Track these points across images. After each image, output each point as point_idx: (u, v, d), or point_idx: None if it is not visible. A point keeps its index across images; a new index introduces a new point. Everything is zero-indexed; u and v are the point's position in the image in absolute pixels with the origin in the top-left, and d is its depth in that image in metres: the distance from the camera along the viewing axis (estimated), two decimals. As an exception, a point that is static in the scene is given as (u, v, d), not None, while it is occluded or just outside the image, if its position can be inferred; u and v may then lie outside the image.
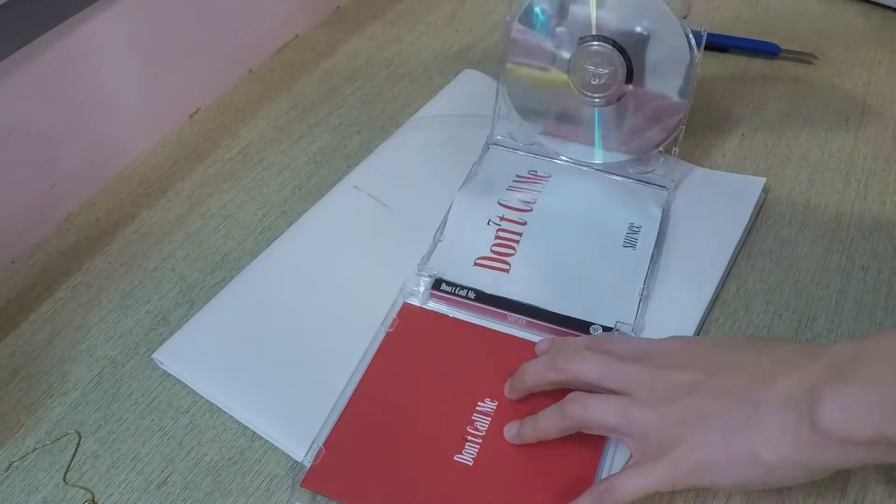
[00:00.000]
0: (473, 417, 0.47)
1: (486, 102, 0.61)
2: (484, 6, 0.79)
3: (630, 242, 0.55)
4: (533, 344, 0.50)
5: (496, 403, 0.48)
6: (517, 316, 0.51)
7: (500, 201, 0.57)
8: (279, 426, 0.48)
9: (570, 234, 0.56)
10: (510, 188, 0.59)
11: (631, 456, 0.43)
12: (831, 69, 0.70)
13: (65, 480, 0.47)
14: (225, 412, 0.49)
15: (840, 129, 0.65)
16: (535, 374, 0.47)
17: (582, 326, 0.50)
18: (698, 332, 0.52)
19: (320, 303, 0.53)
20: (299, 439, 0.47)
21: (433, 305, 0.53)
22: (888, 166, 0.62)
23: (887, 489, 0.45)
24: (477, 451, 0.46)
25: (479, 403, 0.48)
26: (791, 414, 0.38)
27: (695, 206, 0.58)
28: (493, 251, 0.55)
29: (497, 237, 0.56)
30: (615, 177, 0.59)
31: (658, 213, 0.56)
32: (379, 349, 0.50)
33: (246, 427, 0.48)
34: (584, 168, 0.60)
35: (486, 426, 0.47)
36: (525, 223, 0.56)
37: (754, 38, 0.72)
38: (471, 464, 0.45)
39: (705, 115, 0.66)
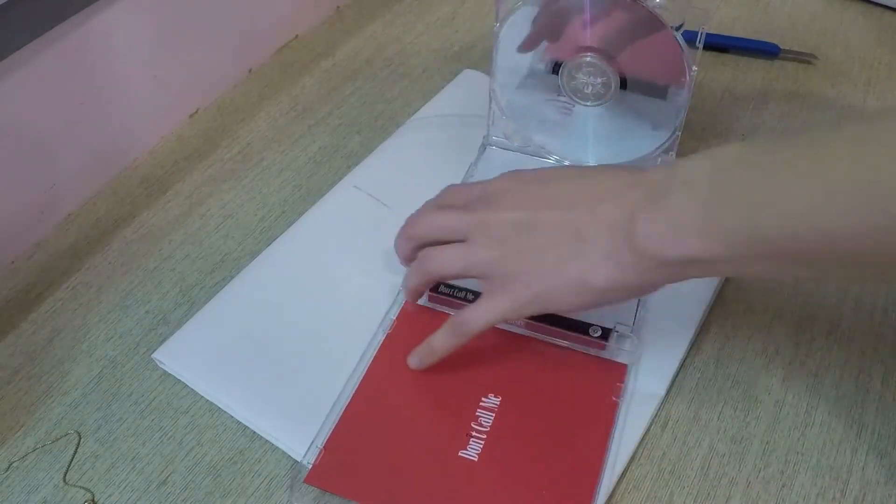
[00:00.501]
0: (477, 413, 0.47)
1: (485, 103, 0.61)
2: (484, 6, 0.79)
3: None
4: (534, 341, 0.51)
5: (500, 399, 0.48)
6: None
7: None
8: (279, 425, 0.48)
9: None
10: None
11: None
12: (831, 69, 0.70)
13: (65, 480, 0.47)
14: (225, 412, 0.49)
15: (840, 129, 0.65)
16: (401, 249, 0.51)
17: (581, 328, 0.50)
18: (696, 334, 0.52)
19: (320, 302, 0.53)
20: (299, 438, 0.47)
21: (432, 307, 0.53)
22: (888, 166, 0.62)
23: (887, 489, 0.45)
24: (482, 446, 0.46)
25: (483, 399, 0.48)
26: (612, 240, 0.41)
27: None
28: None
29: None
30: None
31: None
32: (379, 350, 0.50)
33: (246, 427, 0.48)
34: None
35: (491, 422, 0.47)
36: None
37: (754, 38, 0.72)
38: (475, 459, 0.45)
39: (705, 115, 0.66)
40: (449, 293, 0.52)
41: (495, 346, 0.51)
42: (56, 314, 0.55)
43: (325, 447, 0.46)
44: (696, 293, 0.53)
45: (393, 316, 0.52)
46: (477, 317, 0.46)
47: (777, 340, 0.52)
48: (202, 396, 0.50)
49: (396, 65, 0.73)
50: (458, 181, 0.59)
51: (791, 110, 0.67)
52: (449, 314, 0.52)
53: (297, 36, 0.76)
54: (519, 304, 0.45)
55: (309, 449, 0.46)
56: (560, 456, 0.46)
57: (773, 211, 0.37)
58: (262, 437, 0.48)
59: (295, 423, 0.48)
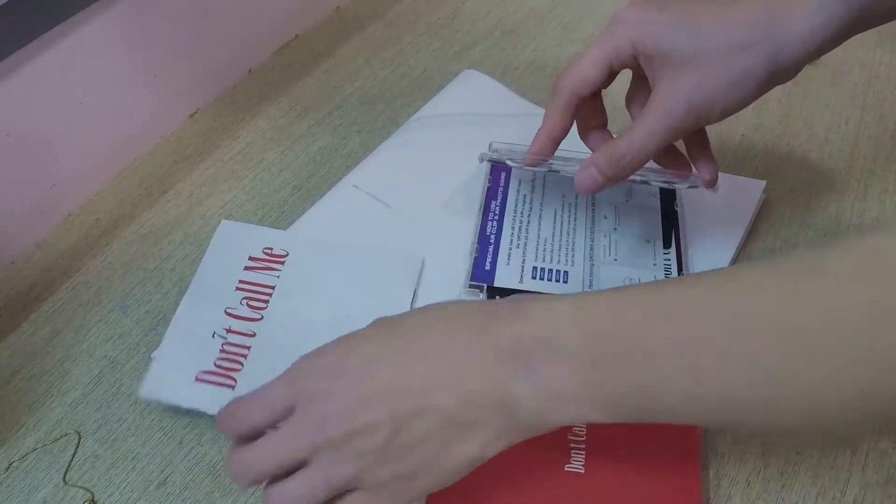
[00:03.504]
0: None
1: (486, 102, 0.60)
2: (484, 6, 0.79)
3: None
4: None
5: None
6: None
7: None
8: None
9: None
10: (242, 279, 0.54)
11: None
12: (831, 70, 0.70)
13: (65, 480, 0.47)
14: (225, 412, 0.49)
15: (840, 129, 0.65)
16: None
17: None
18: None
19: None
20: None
21: None
22: (888, 166, 0.62)
23: (887, 489, 0.45)
24: (584, 456, 0.45)
25: None
26: (497, 419, 0.37)
27: (696, 208, 0.58)
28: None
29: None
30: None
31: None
32: None
33: (246, 427, 0.48)
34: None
35: (585, 430, 0.46)
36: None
37: (754, 39, 0.72)
38: (583, 471, 0.45)
39: (705, 115, 0.66)
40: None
41: None
42: (56, 314, 0.55)
43: (428, 499, 0.44)
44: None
45: None
46: None
47: (777, 340, 0.52)
48: (202, 396, 0.50)
49: (396, 65, 0.73)
50: (458, 181, 0.59)
51: (791, 110, 0.67)
52: None
53: (297, 36, 0.76)
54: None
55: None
56: (657, 450, 0.45)
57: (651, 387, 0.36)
58: (262, 437, 0.48)
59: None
